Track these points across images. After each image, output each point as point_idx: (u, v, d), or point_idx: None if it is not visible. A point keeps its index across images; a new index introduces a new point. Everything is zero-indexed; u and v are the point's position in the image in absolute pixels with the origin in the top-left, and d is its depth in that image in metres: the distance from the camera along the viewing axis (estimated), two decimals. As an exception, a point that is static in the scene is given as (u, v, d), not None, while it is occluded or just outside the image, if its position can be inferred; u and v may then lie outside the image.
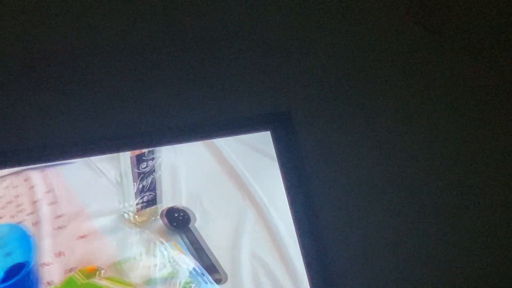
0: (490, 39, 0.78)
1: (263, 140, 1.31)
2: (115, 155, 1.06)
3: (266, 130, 0.75)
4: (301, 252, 0.78)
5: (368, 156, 0.77)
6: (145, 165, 1.02)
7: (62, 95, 0.74)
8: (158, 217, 1.08)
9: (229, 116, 0.75)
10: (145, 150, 1.01)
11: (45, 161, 1.09)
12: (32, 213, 1.12)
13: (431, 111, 0.78)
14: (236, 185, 1.21)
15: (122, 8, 0.71)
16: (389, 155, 0.78)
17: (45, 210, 1.13)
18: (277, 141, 0.75)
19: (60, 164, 1.28)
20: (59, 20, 0.71)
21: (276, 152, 0.75)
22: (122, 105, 0.76)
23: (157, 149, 1.04)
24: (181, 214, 1.07)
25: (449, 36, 0.77)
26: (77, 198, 1.17)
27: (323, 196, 0.77)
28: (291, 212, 0.77)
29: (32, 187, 1.21)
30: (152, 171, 1.03)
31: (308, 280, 0.78)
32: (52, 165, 1.28)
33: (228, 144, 1.34)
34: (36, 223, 1.08)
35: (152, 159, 1.02)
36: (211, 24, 0.73)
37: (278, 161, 0.76)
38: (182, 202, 1.14)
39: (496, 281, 0.81)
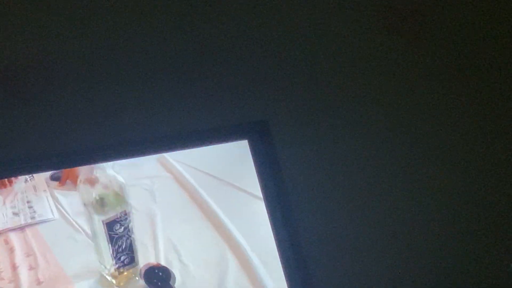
0: (467, 42, 0.78)
1: (239, 173, 1.32)
2: (85, 213, 1.05)
3: (243, 139, 0.73)
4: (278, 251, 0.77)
5: (348, 164, 0.78)
6: (118, 227, 1.00)
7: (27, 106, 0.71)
8: (138, 277, 1.07)
9: (206, 126, 0.74)
10: (117, 215, 1.00)
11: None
12: (12, 281, 1.11)
13: (410, 117, 0.79)
14: (213, 229, 1.19)
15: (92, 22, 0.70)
16: (368, 163, 0.79)
17: (25, 277, 1.12)
18: (254, 150, 0.73)
19: (39, 222, 1.27)
20: (32, 27, 0.70)
21: (254, 161, 0.74)
22: (89, 117, 0.73)
23: (130, 211, 1.02)
24: (161, 273, 1.05)
25: (424, 41, 0.77)
26: (57, 260, 1.16)
27: (302, 204, 0.78)
28: (268, 215, 0.76)
29: (12, 250, 1.20)
30: (127, 233, 1.01)
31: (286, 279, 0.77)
32: (31, 224, 1.27)
33: (201, 182, 1.33)
34: (17, 293, 1.07)
35: (126, 219, 1.01)
36: (189, 34, 0.72)
37: (256, 170, 0.74)
38: (160, 256, 1.13)
39: (491, 280, 0.83)
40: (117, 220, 0.99)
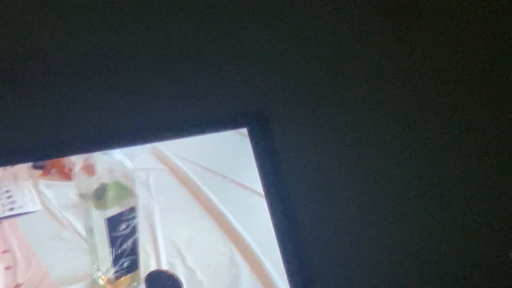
0: (465, 34, 0.78)
1: (238, 168, 1.21)
2: (80, 205, 0.90)
3: (243, 127, 0.74)
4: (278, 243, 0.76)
5: (347, 154, 0.78)
6: (124, 227, 0.84)
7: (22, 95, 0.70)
8: (139, 283, 0.91)
9: (205, 114, 0.74)
10: (123, 209, 0.84)
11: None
12: (-16, 281, 0.94)
13: (408, 109, 0.79)
14: (220, 229, 1.07)
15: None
16: (368, 154, 0.78)
17: (1, 278, 0.95)
18: (254, 138, 0.74)
19: (19, 214, 1.11)
20: (30, 16, 0.69)
21: (253, 150, 0.74)
22: (86, 106, 0.72)
23: (136, 206, 0.87)
24: (168, 280, 0.90)
25: (420, 32, 0.78)
26: (38, 259, 1.00)
27: (301, 193, 0.77)
28: (267, 204, 0.75)
29: (-14, 245, 1.03)
30: (132, 232, 0.86)
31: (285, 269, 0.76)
32: (10, 216, 1.11)
33: (204, 180, 1.21)
34: (-10, 297, 0.90)
35: (133, 217, 0.85)
36: (186, 22, 0.72)
37: (255, 159, 0.74)
38: (161, 259, 0.98)
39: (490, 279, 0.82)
40: (121, 218, 0.83)
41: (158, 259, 0.98)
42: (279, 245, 0.75)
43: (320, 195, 0.78)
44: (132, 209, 0.84)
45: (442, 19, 0.79)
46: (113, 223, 0.82)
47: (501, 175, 0.83)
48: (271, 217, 0.74)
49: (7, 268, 0.97)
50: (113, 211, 0.83)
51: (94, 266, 0.92)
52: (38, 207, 1.12)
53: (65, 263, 0.98)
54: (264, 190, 0.74)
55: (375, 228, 0.80)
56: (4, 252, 1.01)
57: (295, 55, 0.76)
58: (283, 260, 0.75)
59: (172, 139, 0.79)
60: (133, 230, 0.85)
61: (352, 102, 0.78)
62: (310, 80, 0.77)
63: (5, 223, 1.09)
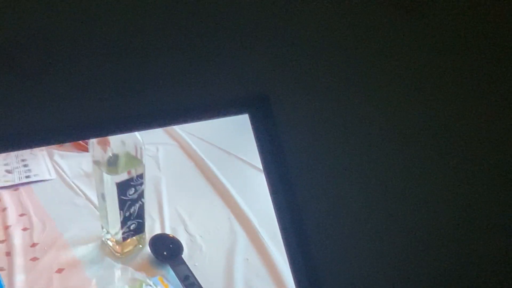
0: (475, 21, 0.76)
1: (244, 147, 1.28)
2: (94, 174, 0.97)
3: (244, 113, 0.73)
4: (279, 225, 0.76)
5: (349, 138, 0.77)
6: (132, 192, 0.92)
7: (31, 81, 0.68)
8: (144, 246, 0.99)
9: (206, 99, 0.73)
10: (132, 175, 0.92)
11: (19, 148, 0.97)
12: (4, 241, 1.02)
13: (413, 95, 0.77)
14: (221, 201, 1.15)
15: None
16: (370, 136, 0.77)
17: (19, 238, 1.03)
18: (255, 124, 0.73)
19: (34, 182, 1.19)
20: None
21: (254, 135, 0.73)
22: (91, 91, 0.71)
23: (144, 172, 0.94)
24: (170, 243, 0.98)
25: (431, 18, 0.75)
26: (53, 223, 1.08)
27: (303, 178, 0.76)
28: (269, 189, 0.76)
29: (4, 209, 1.11)
30: (139, 197, 0.94)
31: (287, 254, 0.77)
32: (26, 184, 1.18)
33: (209, 155, 1.28)
34: (9, 254, 0.98)
35: (141, 184, 0.93)
36: (189, 6, 0.70)
37: (256, 144, 0.74)
38: (165, 224, 1.06)
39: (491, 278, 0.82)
40: (130, 183, 0.91)
41: (162, 225, 1.05)
42: (279, 226, 0.76)
43: (323, 177, 0.78)
44: (140, 176, 0.92)
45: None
46: (122, 187, 0.90)
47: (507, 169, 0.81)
48: (272, 200, 0.75)
49: (24, 229, 1.05)
50: (123, 176, 0.90)
51: (104, 229, 0.99)
52: (52, 175, 1.20)
53: (77, 226, 1.06)
54: (265, 173, 0.75)
55: (372, 205, 0.80)
56: (21, 215, 1.09)
57: (297, 39, 0.74)
58: (282, 238, 0.76)
59: (171, 125, 0.81)
60: (140, 195, 0.93)
61: (354, 85, 0.76)
62: (312, 64, 0.75)
63: (22, 189, 1.17)
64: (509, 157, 0.81)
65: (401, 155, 0.79)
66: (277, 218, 0.76)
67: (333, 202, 0.78)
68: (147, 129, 0.81)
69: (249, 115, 0.73)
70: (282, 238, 0.76)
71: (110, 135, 0.89)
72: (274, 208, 0.75)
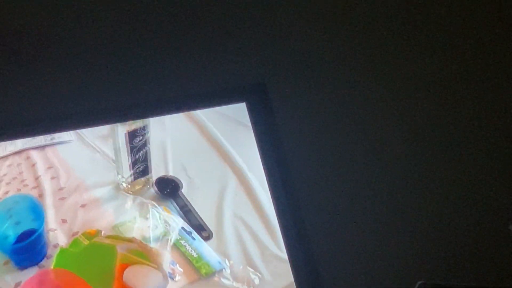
0: (482, 13, 0.76)
1: (242, 111, 1.42)
2: (111, 132, 1.17)
3: (241, 102, 0.74)
4: (275, 208, 0.83)
5: (346, 127, 0.77)
6: (138, 140, 1.13)
7: (42, 71, 0.74)
8: (151, 186, 1.20)
9: (204, 88, 0.74)
10: (138, 126, 1.13)
11: (39, 134, 1.12)
12: (36, 187, 1.23)
13: (411, 85, 0.76)
14: (217, 155, 1.31)
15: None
16: (367, 126, 0.77)
17: (48, 184, 1.24)
18: (252, 112, 0.74)
19: (57, 143, 1.39)
20: None
21: (251, 123, 0.75)
22: (98, 80, 0.75)
23: (148, 124, 1.16)
24: (171, 182, 1.19)
25: (434, 2, 0.74)
26: (76, 173, 1.28)
27: (300, 166, 0.77)
28: (266, 178, 0.80)
29: (33, 164, 1.31)
30: (144, 144, 1.15)
31: (282, 233, 0.83)
32: (50, 144, 1.39)
33: (209, 117, 1.44)
34: (41, 196, 1.20)
35: (144, 134, 1.14)
36: None
37: (254, 132, 0.76)
38: (169, 172, 1.26)
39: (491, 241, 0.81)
40: (137, 132, 1.12)
41: (166, 171, 1.26)
42: (278, 218, 0.78)
43: (319, 166, 0.77)
44: (146, 126, 1.13)
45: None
46: (131, 135, 1.12)
47: (503, 151, 0.79)
48: (269, 189, 0.77)
49: (52, 178, 1.26)
50: (132, 127, 1.12)
51: (119, 175, 1.21)
52: (73, 137, 1.40)
53: (97, 174, 1.26)
54: (262, 161, 0.76)
55: (372, 196, 0.79)
56: (49, 167, 1.30)
57: (295, 28, 0.74)
58: (281, 232, 0.79)
59: (169, 114, 0.87)
60: (146, 143, 1.15)
61: (352, 73, 0.75)
62: (309, 52, 0.74)
63: (48, 149, 1.37)
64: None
65: (394, 142, 0.77)
66: (273, 202, 0.78)
67: (329, 187, 0.77)
68: (145, 118, 0.98)
69: (246, 104, 0.74)
70: (278, 222, 0.78)
71: (112, 123, 1.03)
72: (270, 193, 0.77)
